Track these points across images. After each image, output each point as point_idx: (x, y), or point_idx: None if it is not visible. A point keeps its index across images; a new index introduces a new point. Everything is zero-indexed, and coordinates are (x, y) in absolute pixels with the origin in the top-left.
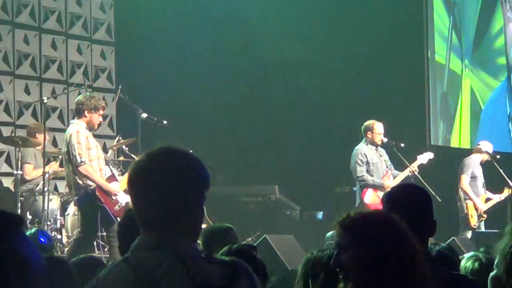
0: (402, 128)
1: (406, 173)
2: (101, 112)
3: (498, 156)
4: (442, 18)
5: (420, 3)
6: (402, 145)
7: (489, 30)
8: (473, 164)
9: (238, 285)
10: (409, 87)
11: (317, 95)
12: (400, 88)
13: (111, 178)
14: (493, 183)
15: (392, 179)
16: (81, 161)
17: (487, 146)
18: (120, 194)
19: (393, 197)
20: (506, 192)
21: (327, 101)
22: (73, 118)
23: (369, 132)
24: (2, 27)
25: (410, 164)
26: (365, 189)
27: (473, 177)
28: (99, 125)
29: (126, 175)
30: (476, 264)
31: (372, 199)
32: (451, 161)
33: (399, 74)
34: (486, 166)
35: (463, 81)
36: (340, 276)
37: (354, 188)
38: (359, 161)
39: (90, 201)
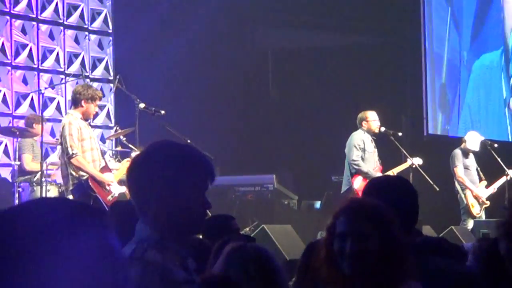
0: (400, 118)
1: (405, 165)
2: (98, 102)
3: (496, 145)
4: (440, 8)
5: None
6: (400, 134)
7: (487, 20)
8: (460, 155)
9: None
10: (407, 77)
11: (314, 86)
12: (398, 78)
13: (105, 169)
14: (490, 171)
15: (379, 171)
16: (73, 153)
17: (470, 136)
18: (114, 184)
19: (376, 186)
20: (504, 178)
21: (324, 91)
22: (70, 108)
23: (364, 122)
24: None
25: (409, 155)
26: (355, 175)
27: (466, 167)
28: (96, 115)
29: (120, 166)
30: None
31: (362, 186)
32: (449, 150)
33: (397, 64)
34: (481, 154)
35: (462, 71)
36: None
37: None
38: (356, 146)
39: (83, 191)
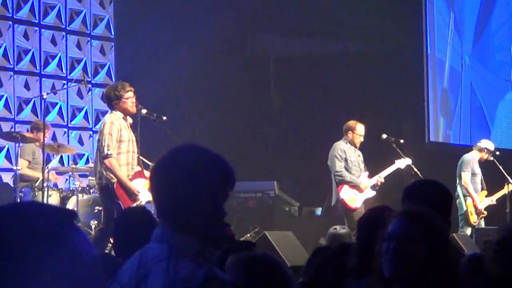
0: (401, 125)
1: (392, 168)
2: (128, 95)
3: (497, 153)
4: (442, 14)
5: None
6: (402, 141)
7: (489, 26)
8: (472, 161)
9: None
10: (408, 83)
11: (316, 92)
12: (399, 84)
13: (138, 174)
14: (492, 180)
15: (367, 176)
16: (108, 154)
17: (487, 144)
18: (142, 192)
19: (414, 192)
20: (506, 189)
21: (326, 98)
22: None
23: (349, 132)
24: (2, 23)
25: (412, 161)
26: (341, 184)
27: (473, 174)
28: (135, 105)
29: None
30: None
31: (349, 195)
32: (450, 157)
33: (399, 70)
34: (484, 163)
35: (463, 76)
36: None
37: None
38: (338, 156)
39: (108, 193)
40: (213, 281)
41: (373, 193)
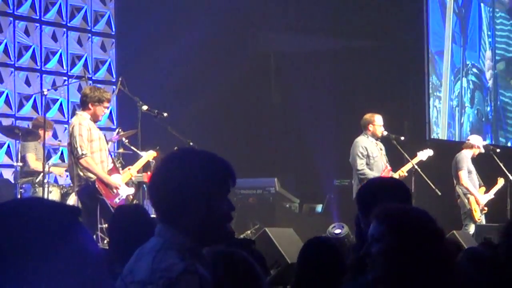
0: (402, 122)
1: (407, 167)
2: (106, 104)
3: (498, 150)
4: (443, 12)
5: None
6: (402, 138)
7: (490, 25)
8: (466, 159)
9: (178, 282)
10: (409, 81)
11: (316, 89)
12: (400, 81)
13: (113, 170)
14: (484, 176)
15: (388, 173)
16: (82, 154)
17: (476, 140)
18: (122, 186)
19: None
20: (500, 183)
21: (326, 95)
22: (78, 109)
23: (370, 125)
24: (3, 19)
25: (411, 158)
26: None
27: (469, 172)
28: (104, 116)
29: (125, 170)
30: None
31: None
32: (450, 155)
33: (400, 66)
34: (475, 159)
35: (464, 75)
36: (369, 267)
37: (336, 182)
38: (359, 154)
39: (89, 192)
40: (190, 274)
41: None
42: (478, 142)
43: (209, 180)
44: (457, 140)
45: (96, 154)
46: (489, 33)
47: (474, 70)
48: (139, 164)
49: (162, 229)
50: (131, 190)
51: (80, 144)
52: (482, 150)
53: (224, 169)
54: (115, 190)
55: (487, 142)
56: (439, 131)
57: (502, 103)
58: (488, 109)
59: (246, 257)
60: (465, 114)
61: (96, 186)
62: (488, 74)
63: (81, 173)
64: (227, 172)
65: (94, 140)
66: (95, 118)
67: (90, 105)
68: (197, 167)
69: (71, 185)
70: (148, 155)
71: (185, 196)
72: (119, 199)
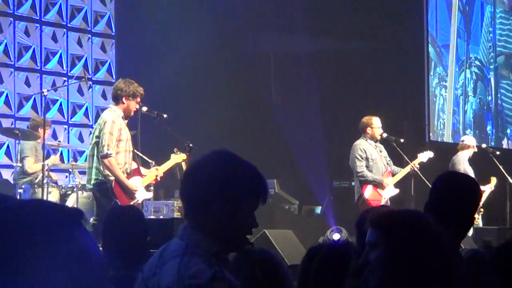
0: (401, 124)
1: (406, 170)
2: (139, 99)
3: (498, 152)
4: (449, 9)
5: None
6: (402, 140)
7: (493, 25)
8: (462, 161)
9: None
10: (409, 82)
11: (316, 90)
12: (400, 83)
13: (135, 172)
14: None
15: (391, 177)
16: (107, 153)
17: (470, 140)
18: (140, 190)
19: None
20: (493, 182)
21: (326, 96)
22: (111, 103)
23: (368, 128)
24: (3, 19)
25: (410, 161)
26: (364, 185)
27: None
28: (136, 111)
29: (150, 171)
30: None
31: (372, 194)
32: (450, 157)
33: (399, 69)
34: (471, 159)
35: (467, 67)
36: (367, 274)
37: (353, 183)
38: (358, 156)
39: (104, 190)
40: (219, 281)
41: (397, 191)
42: (473, 142)
43: (241, 194)
44: (460, 127)
45: (120, 155)
46: (490, 29)
47: (477, 62)
48: (167, 165)
49: (186, 232)
50: (149, 195)
51: (108, 142)
52: (476, 149)
53: (259, 186)
54: (132, 194)
55: (487, 145)
56: (445, 117)
57: (502, 94)
58: (489, 98)
59: (280, 259)
60: (468, 102)
61: (113, 187)
62: (489, 67)
63: (101, 169)
64: (261, 191)
65: (122, 140)
66: (127, 114)
67: (124, 99)
68: (229, 172)
69: (70, 186)
70: (176, 158)
71: (212, 200)
72: (134, 203)
